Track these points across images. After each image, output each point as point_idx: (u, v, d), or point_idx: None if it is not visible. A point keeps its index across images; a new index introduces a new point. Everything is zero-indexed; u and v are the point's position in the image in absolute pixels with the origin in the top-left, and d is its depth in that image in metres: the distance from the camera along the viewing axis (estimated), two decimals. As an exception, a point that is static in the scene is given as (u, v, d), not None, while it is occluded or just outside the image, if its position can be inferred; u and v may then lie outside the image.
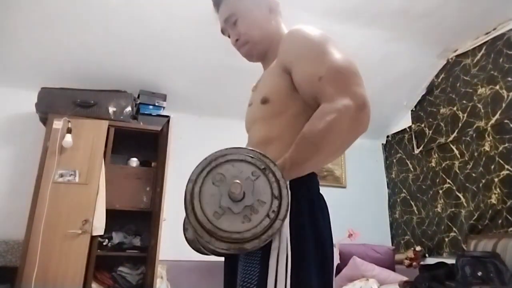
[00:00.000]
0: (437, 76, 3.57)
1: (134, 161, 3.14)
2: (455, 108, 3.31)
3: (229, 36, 1.12)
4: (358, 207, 3.81)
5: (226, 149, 0.71)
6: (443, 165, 3.38)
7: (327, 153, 0.81)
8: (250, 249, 0.67)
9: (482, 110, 3.02)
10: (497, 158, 2.83)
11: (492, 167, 2.85)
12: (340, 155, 0.90)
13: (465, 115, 3.19)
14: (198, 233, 0.65)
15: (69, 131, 2.68)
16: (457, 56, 3.34)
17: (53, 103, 2.85)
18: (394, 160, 4.10)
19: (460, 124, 3.23)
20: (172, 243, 2.90)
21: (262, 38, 1.07)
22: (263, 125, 0.97)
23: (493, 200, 2.81)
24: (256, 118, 1.01)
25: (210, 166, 0.69)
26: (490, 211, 2.82)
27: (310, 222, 0.85)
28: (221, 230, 0.65)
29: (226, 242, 0.65)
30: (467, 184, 3.09)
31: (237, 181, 0.67)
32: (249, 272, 0.80)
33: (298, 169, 0.80)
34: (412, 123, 3.86)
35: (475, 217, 2.94)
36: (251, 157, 0.70)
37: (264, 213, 0.67)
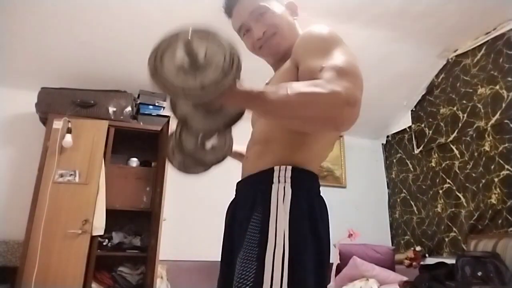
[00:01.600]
0: (437, 76, 3.56)
1: (134, 161, 3.15)
2: (455, 108, 3.31)
3: (244, 33, 1.06)
4: (358, 207, 3.81)
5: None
6: (443, 165, 3.38)
7: (288, 114, 0.76)
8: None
9: (482, 110, 3.02)
10: (497, 158, 2.83)
11: (492, 167, 2.85)
12: (293, 127, 0.89)
13: (465, 115, 3.19)
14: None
15: (69, 131, 2.68)
16: (457, 56, 3.34)
17: (53, 103, 2.85)
18: (394, 160, 4.10)
19: (460, 124, 3.23)
20: (172, 243, 2.92)
21: (290, 33, 1.04)
22: (265, 124, 1.00)
23: (493, 200, 2.81)
24: (259, 117, 1.04)
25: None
26: (490, 211, 2.82)
27: (309, 221, 0.86)
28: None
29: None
30: (467, 184, 3.09)
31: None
32: (247, 267, 0.81)
33: (255, 103, 0.76)
34: (412, 123, 3.86)
35: (475, 217, 2.94)
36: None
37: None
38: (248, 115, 0.99)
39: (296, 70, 0.93)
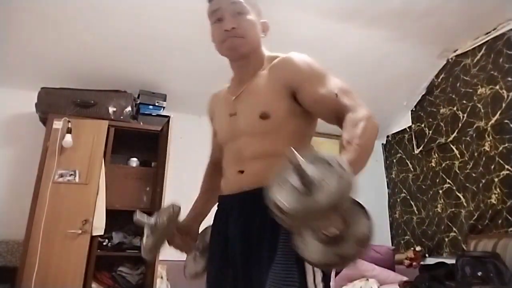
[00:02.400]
0: (437, 76, 3.56)
1: (134, 161, 3.15)
2: (455, 108, 3.31)
3: (215, 20, 1.07)
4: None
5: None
6: (443, 165, 3.38)
7: (367, 155, 0.88)
8: None
9: (482, 110, 3.02)
10: (497, 158, 2.83)
11: (492, 167, 2.85)
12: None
13: (465, 115, 3.19)
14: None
15: (69, 131, 2.68)
16: (457, 56, 3.34)
17: (53, 103, 2.85)
18: (394, 160, 4.10)
19: (460, 124, 3.23)
20: (172, 243, 2.92)
21: (253, 43, 1.08)
22: (263, 140, 1.01)
23: (493, 200, 2.81)
24: (253, 132, 1.02)
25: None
26: (490, 211, 2.82)
27: None
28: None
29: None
30: (467, 184, 3.09)
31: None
32: (289, 275, 0.87)
33: (354, 170, 0.81)
34: (412, 123, 3.86)
35: (475, 217, 2.94)
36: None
37: None
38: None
39: (287, 94, 1.00)
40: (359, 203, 0.80)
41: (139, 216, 1.17)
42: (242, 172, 1.03)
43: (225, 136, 1.11)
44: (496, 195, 2.80)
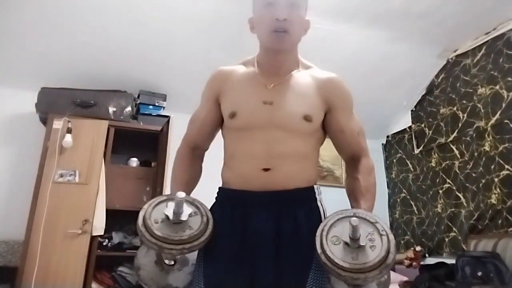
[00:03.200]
0: (437, 76, 3.56)
1: (134, 161, 3.15)
2: (455, 108, 3.31)
3: (268, 4, 1.01)
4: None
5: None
6: (443, 165, 3.38)
7: (375, 198, 1.05)
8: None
9: (482, 110, 3.01)
10: (497, 158, 2.83)
11: (492, 167, 2.85)
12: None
13: (465, 115, 3.19)
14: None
15: (69, 131, 2.68)
16: (457, 56, 3.34)
17: (53, 103, 2.85)
18: (394, 160, 4.10)
19: (460, 124, 3.23)
20: (172, 243, 2.91)
21: (297, 41, 1.09)
22: (297, 139, 1.03)
23: (493, 200, 2.81)
24: (293, 129, 1.02)
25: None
26: (490, 211, 2.82)
27: None
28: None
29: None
30: (467, 184, 3.08)
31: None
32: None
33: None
34: (412, 123, 3.86)
35: (475, 217, 2.94)
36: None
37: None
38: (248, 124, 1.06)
39: (323, 107, 1.06)
40: None
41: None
42: (267, 170, 0.99)
43: (252, 122, 1.02)
44: (496, 195, 2.79)
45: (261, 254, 0.94)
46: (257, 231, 0.96)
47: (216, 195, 1.10)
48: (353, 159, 1.11)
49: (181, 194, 0.84)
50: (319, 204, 1.05)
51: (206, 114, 1.13)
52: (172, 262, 0.98)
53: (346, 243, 0.80)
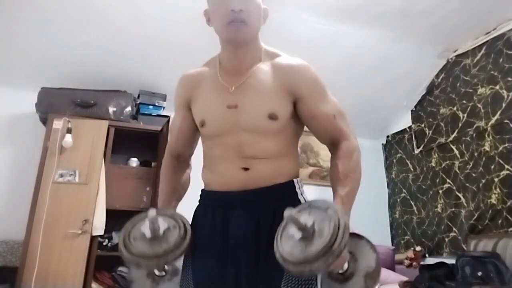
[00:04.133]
0: (437, 76, 3.56)
1: (134, 161, 3.15)
2: (455, 108, 3.31)
3: None
4: (358, 207, 3.80)
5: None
6: (443, 165, 3.38)
7: (358, 185, 0.97)
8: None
9: (482, 110, 3.01)
10: (497, 158, 2.83)
11: (492, 167, 2.85)
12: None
13: (465, 115, 3.19)
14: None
15: (69, 131, 2.68)
16: (457, 56, 3.34)
17: (53, 103, 2.85)
18: (394, 160, 4.10)
19: (460, 124, 3.23)
20: (172, 243, 2.91)
21: (255, 31, 1.04)
22: (267, 139, 1.00)
23: (493, 200, 2.81)
24: (259, 130, 0.99)
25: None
26: (490, 211, 2.82)
27: None
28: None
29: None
30: (467, 184, 3.08)
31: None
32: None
33: (351, 201, 0.93)
34: (412, 123, 3.86)
35: (475, 217, 2.94)
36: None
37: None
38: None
39: (289, 99, 1.01)
40: (364, 237, 0.87)
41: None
42: (246, 169, 0.99)
43: (220, 129, 1.02)
44: (496, 195, 2.80)
45: (243, 256, 0.95)
46: (237, 233, 0.96)
47: (199, 197, 1.11)
48: (333, 145, 1.03)
49: (152, 212, 0.86)
50: (300, 197, 1.01)
51: (181, 122, 1.13)
52: (163, 273, 1.00)
53: (299, 237, 0.76)
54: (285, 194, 1.00)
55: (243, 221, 0.97)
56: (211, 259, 0.98)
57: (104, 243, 2.82)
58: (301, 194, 1.02)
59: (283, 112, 1.00)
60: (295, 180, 1.03)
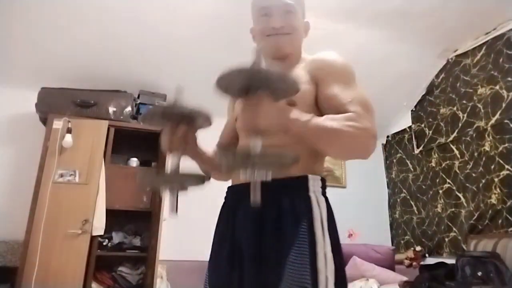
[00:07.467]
0: (437, 76, 3.56)
1: (134, 161, 3.14)
2: (455, 108, 3.31)
3: (262, 14, 1.06)
4: (358, 207, 3.81)
5: None
6: (443, 165, 3.38)
7: (328, 147, 0.90)
8: None
9: (482, 110, 3.01)
10: (497, 158, 2.83)
11: (492, 167, 2.85)
12: (325, 151, 1.00)
13: (465, 115, 3.19)
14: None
15: (69, 131, 2.68)
16: (457, 56, 3.34)
17: (53, 103, 2.85)
18: (394, 160, 4.10)
19: (460, 124, 3.23)
20: (172, 243, 2.91)
21: (297, 44, 1.10)
22: (285, 134, 0.98)
23: (493, 200, 2.81)
24: None
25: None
26: (490, 211, 2.82)
27: (336, 230, 0.99)
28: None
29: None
30: (467, 184, 3.09)
31: None
32: (302, 277, 0.87)
33: (305, 131, 0.85)
34: (412, 123, 3.86)
35: (475, 217, 2.94)
36: None
37: None
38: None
39: (312, 84, 0.99)
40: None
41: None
42: None
43: (240, 129, 1.10)
44: (496, 195, 2.80)
45: (246, 253, 0.94)
46: (242, 227, 0.97)
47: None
48: None
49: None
50: (311, 194, 0.95)
51: (227, 121, 1.26)
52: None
53: None
54: (293, 188, 0.96)
55: (248, 214, 0.95)
56: (221, 262, 1.00)
57: (104, 243, 2.82)
58: (314, 192, 0.96)
59: (302, 98, 0.93)
60: (310, 176, 0.97)
